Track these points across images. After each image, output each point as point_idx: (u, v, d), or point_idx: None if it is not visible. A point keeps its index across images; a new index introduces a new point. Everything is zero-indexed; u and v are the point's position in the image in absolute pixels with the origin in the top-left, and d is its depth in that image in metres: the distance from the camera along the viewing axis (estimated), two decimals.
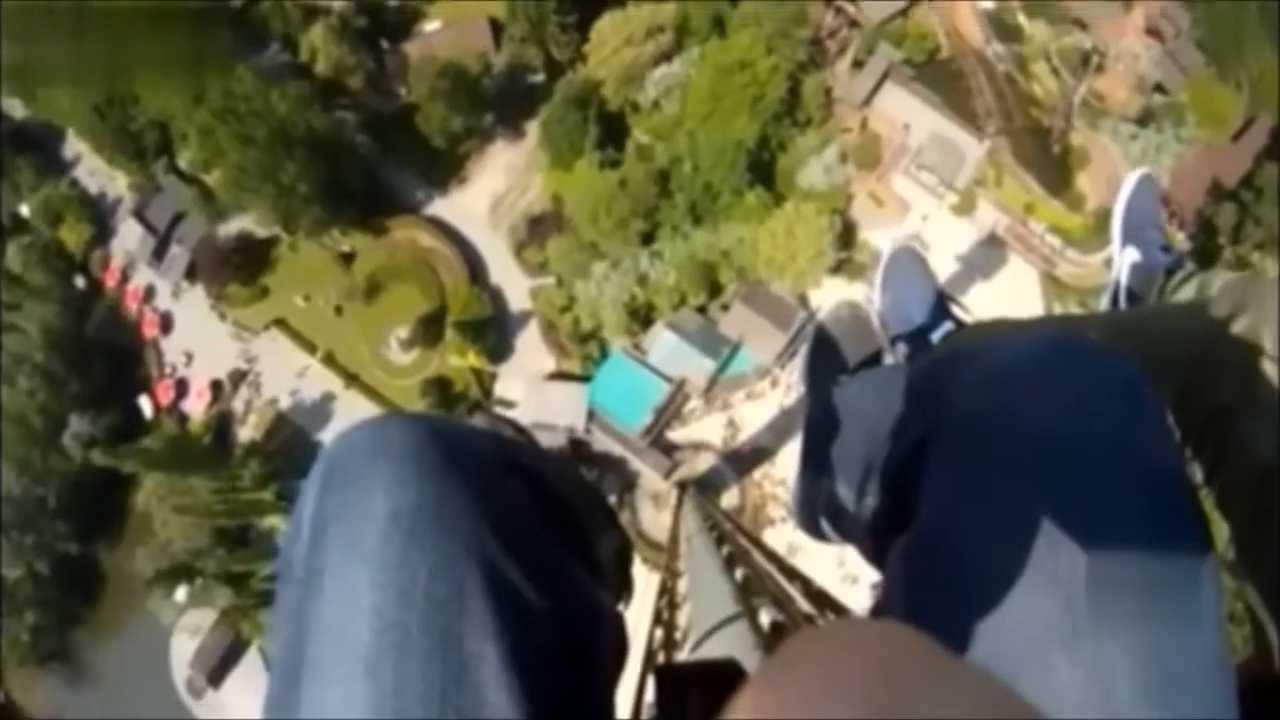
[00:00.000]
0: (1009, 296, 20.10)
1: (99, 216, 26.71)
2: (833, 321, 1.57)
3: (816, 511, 1.23)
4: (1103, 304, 1.74)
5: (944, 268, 19.73)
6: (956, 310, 1.65)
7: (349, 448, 0.66)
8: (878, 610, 0.84)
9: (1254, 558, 1.00)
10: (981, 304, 19.97)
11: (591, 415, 17.77)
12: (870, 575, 17.68)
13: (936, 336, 1.59)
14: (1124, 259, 1.72)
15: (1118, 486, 0.64)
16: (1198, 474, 1.11)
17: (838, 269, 18.74)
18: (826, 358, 1.53)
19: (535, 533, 0.70)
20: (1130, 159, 21.19)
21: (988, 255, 20.65)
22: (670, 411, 17.97)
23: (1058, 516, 0.64)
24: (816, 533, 1.30)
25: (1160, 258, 1.65)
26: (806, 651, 0.33)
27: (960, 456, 0.71)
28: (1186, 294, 1.46)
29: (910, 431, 0.82)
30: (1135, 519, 0.63)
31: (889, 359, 1.59)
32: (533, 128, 19.53)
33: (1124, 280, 1.69)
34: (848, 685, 0.30)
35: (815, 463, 1.23)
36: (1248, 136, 19.36)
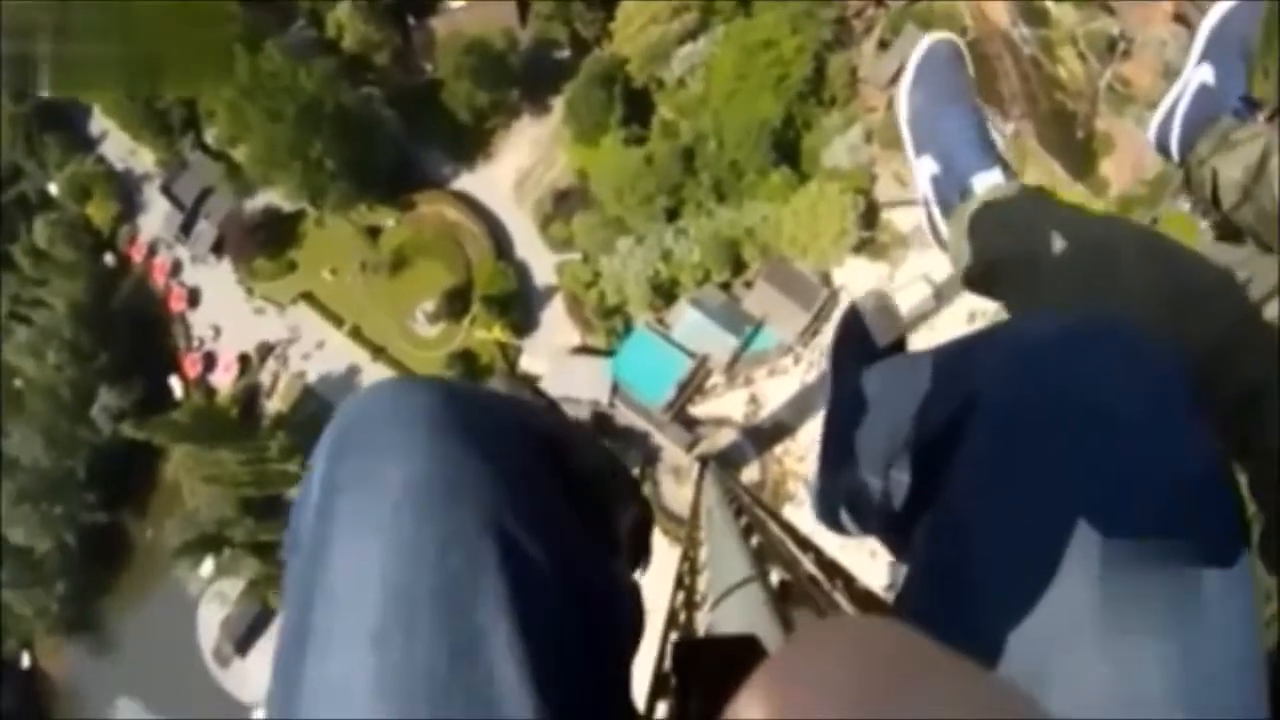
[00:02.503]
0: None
1: (126, 192, 27.05)
2: (859, 311, 1.47)
3: (836, 503, 1.18)
4: (1154, 120, 1.48)
5: (948, 263, 19.62)
6: (999, 142, 1.51)
7: (362, 412, 0.63)
8: (901, 594, 0.83)
9: None
10: (977, 300, 19.93)
11: (615, 389, 17.97)
12: (886, 550, 17.87)
13: (980, 183, 1.39)
14: (1194, 75, 1.44)
15: (1147, 485, 0.63)
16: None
17: (861, 248, 18.77)
18: (851, 348, 1.43)
19: (553, 503, 0.68)
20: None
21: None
22: (693, 387, 18.14)
23: (1087, 512, 0.63)
24: (836, 525, 1.24)
25: (1234, 93, 1.40)
26: (800, 654, 0.34)
27: (988, 444, 0.70)
28: (1247, 153, 1.29)
29: (938, 412, 0.81)
30: (1165, 520, 0.62)
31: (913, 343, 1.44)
32: (558, 104, 19.62)
33: (1185, 103, 1.43)
34: (840, 687, 0.30)
35: (836, 452, 1.17)
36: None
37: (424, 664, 0.55)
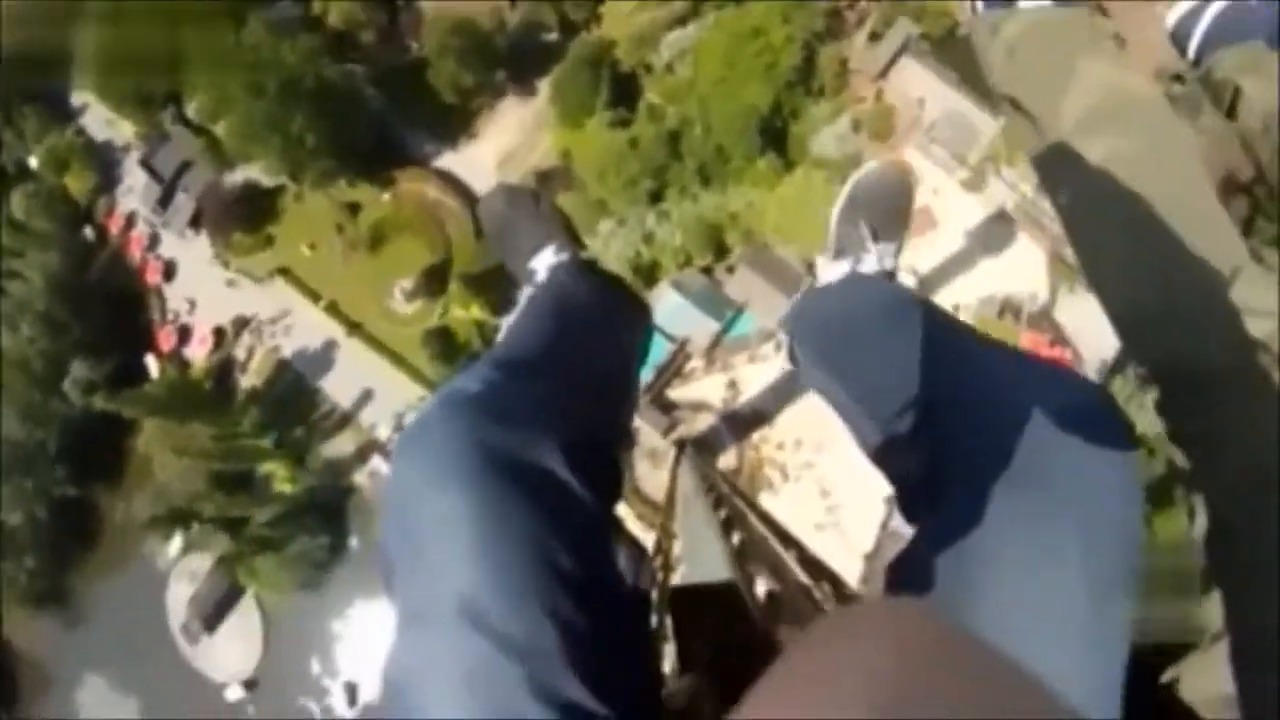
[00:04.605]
0: (1015, 274, 20.07)
1: (105, 165, 26.57)
2: (874, 181, 1.56)
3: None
4: (1177, 10, 1.44)
5: (952, 242, 19.64)
6: None
7: (423, 462, 0.83)
8: (896, 565, 0.96)
9: (1234, 545, 1.01)
10: (987, 281, 19.96)
11: None
12: (860, 533, 17.78)
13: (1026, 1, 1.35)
14: None
15: (1111, 557, 0.79)
16: (1178, 453, 1.10)
17: None
18: (855, 216, 1.52)
19: (578, 519, 0.85)
20: None
21: (996, 232, 20.57)
22: (671, 370, 18.03)
23: (1059, 560, 0.77)
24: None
25: (1268, 13, 1.34)
26: (814, 649, 0.33)
27: (983, 486, 0.82)
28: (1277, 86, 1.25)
29: (934, 446, 0.94)
30: (1112, 591, 0.78)
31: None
32: (544, 86, 19.45)
33: (1216, 6, 1.37)
34: (878, 674, 0.30)
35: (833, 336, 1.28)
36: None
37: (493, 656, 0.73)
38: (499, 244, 1.59)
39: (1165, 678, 0.99)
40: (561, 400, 0.97)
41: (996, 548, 0.80)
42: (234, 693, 21.94)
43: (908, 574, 0.91)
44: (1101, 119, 1.20)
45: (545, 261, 1.51)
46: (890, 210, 1.56)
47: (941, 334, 1.08)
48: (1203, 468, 1.06)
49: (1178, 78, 1.44)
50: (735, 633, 1.10)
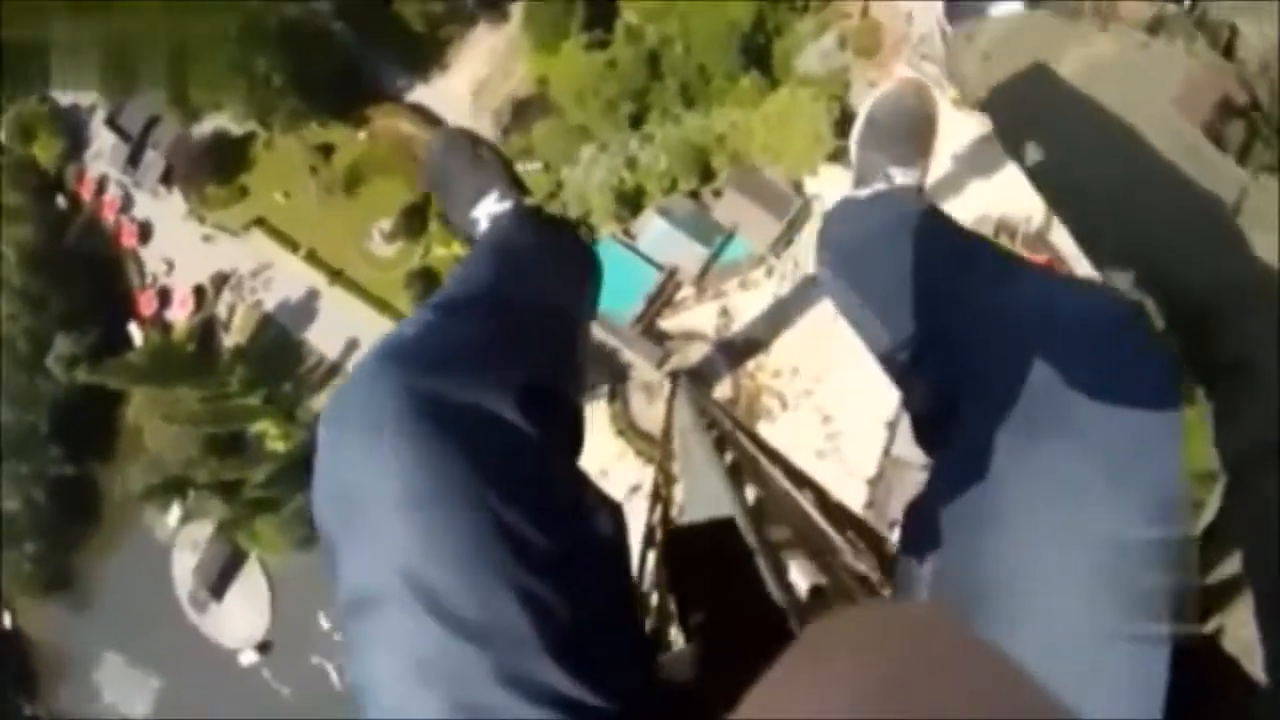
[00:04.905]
0: (1009, 195, 19.50)
1: (73, 129, 25.76)
2: (891, 103, 1.48)
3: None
4: None
5: (941, 163, 19.08)
6: None
7: (348, 418, 0.76)
8: (909, 511, 0.91)
9: (1255, 488, 0.94)
10: (977, 202, 19.44)
11: None
12: (862, 459, 17.57)
13: (998, 9, 1.41)
14: None
15: (1138, 489, 0.69)
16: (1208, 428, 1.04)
17: (835, 157, 18.08)
18: (875, 142, 1.46)
19: (529, 469, 0.77)
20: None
21: (986, 152, 19.90)
22: (661, 300, 17.58)
23: (1082, 501, 0.69)
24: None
25: None
26: (819, 644, 0.33)
27: (1015, 417, 0.73)
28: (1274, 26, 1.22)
29: (947, 369, 0.85)
30: (1145, 532, 0.68)
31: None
32: (516, 10, 18.62)
33: None
34: (859, 677, 0.30)
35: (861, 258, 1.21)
36: None
37: (451, 629, 0.67)
38: (440, 194, 1.54)
39: (1208, 627, 0.92)
40: (508, 339, 0.91)
41: (1012, 490, 0.72)
42: (248, 657, 22.10)
43: (919, 524, 0.86)
44: (1077, 92, 1.18)
45: (487, 210, 1.47)
46: (911, 133, 1.46)
47: (958, 248, 1.04)
48: (1224, 401, 1.01)
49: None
50: (738, 583, 1.03)
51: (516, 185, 1.51)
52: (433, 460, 0.71)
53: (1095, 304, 0.79)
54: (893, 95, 1.50)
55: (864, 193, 1.43)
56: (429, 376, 0.77)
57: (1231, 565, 0.94)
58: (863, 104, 1.56)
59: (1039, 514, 0.70)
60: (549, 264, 1.30)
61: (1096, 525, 0.68)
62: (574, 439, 1.00)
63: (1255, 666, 0.87)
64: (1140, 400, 0.71)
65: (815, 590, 1.43)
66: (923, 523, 0.82)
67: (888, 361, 1.06)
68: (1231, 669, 0.88)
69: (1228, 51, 1.26)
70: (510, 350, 0.89)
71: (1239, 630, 0.92)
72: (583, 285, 1.36)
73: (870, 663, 0.30)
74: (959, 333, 0.88)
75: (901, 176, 1.42)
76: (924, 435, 0.95)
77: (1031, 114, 1.27)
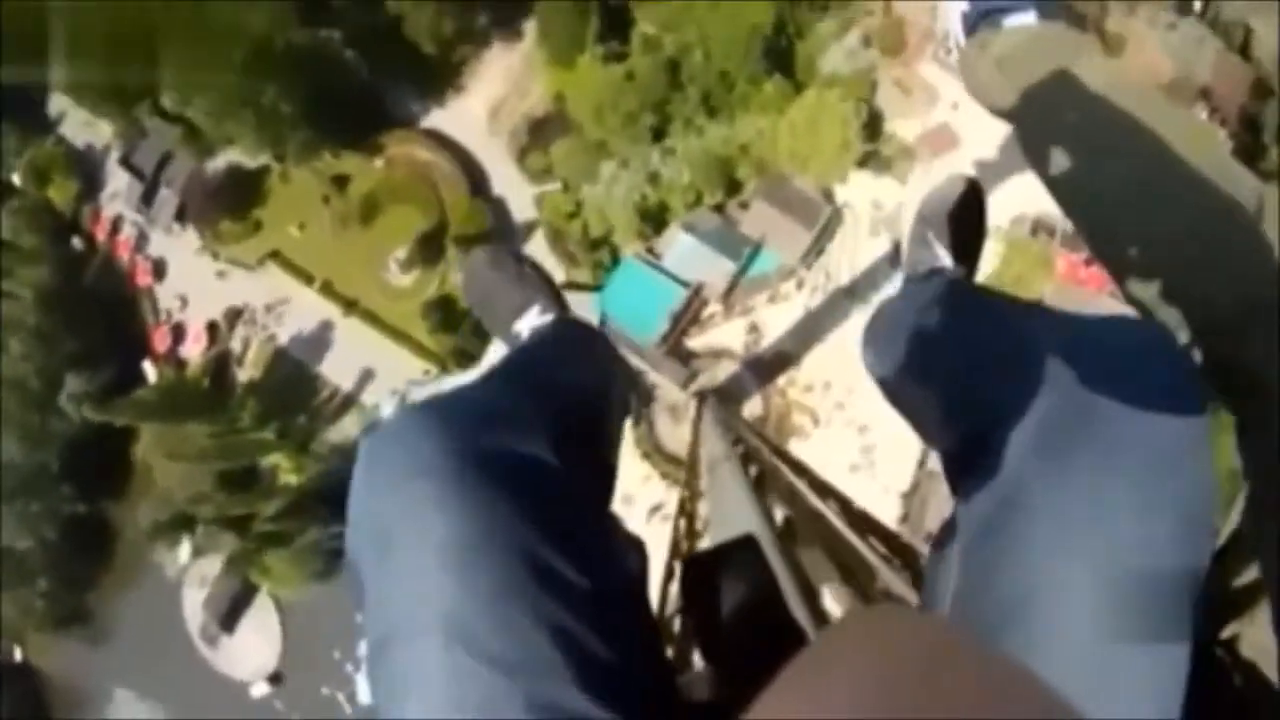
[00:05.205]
0: (1043, 195, 18.68)
1: (87, 170, 25.82)
2: (941, 196, 1.53)
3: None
4: None
5: (972, 160, 18.38)
6: None
7: (393, 460, 0.76)
8: (939, 542, 0.93)
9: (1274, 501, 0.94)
10: (1017, 200, 18.62)
11: (604, 325, 16.66)
12: (896, 472, 16.60)
13: (1012, 21, 1.35)
14: None
15: (1163, 516, 0.69)
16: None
17: (864, 162, 17.39)
18: (925, 235, 1.50)
19: (568, 516, 0.78)
20: (1169, 48, 19.54)
21: (1019, 149, 19.28)
22: (688, 318, 16.84)
23: (1120, 522, 0.69)
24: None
25: None
26: (828, 650, 0.34)
27: (1041, 443, 0.75)
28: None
29: (992, 394, 0.84)
30: (1170, 552, 0.69)
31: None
32: (530, 27, 18.25)
33: None
34: (865, 681, 0.30)
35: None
36: None
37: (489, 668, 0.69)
38: (482, 307, 1.54)
39: (1225, 633, 0.94)
40: (547, 399, 0.94)
41: (1037, 510, 0.73)
42: (259, 689, 21.76)
43: (945, 542, 0.89)
44: (1099, 115, 1.20)
45: (529, 323, 1.48)
46: (962, 225, 1.52)
47: (974, 303, 1.15)
48: (1246, 413, 1.01)
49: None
50: (757, 603, 1.00)
51: (559, 301, 1.51)
52: (477, 507, 0.72)
53: (1121, 328, 0.81)
54: (942, 189, 1.55)
55: (912, 280, 1.50)
56: (473, 426, 0.78)
57: (1250, 573, 0.94)
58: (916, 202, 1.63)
59: (1064, 532, 0.70)
60: (584, 351, 1.34)
61: (1123, 545, 0.68)
62: (607, 488, 1.05)
63: (1273, 673, 0.88)
64: (1168, 420, 0.71)
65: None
66: (949, 541, 0.84)
67: (934, 440, 1.07)
68: (1249, 675, 0.89)
69: (1243, 51, 1.66)
70: (549, 407, 0.90)
71: (1257, 636, 0.91)
72: (613, 373, 1.35)
73: (870, 665, 0.31)
74: (981, 375, 0.89)
75: (953, 266, 1.48)
76: (953, 475, 0.94)
77: (1047, 121, 1.26)
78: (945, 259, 1.46)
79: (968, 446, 0.87)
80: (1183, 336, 1.05)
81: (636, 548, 0.90)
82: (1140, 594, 0.67)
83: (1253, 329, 1.00)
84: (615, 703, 0.70)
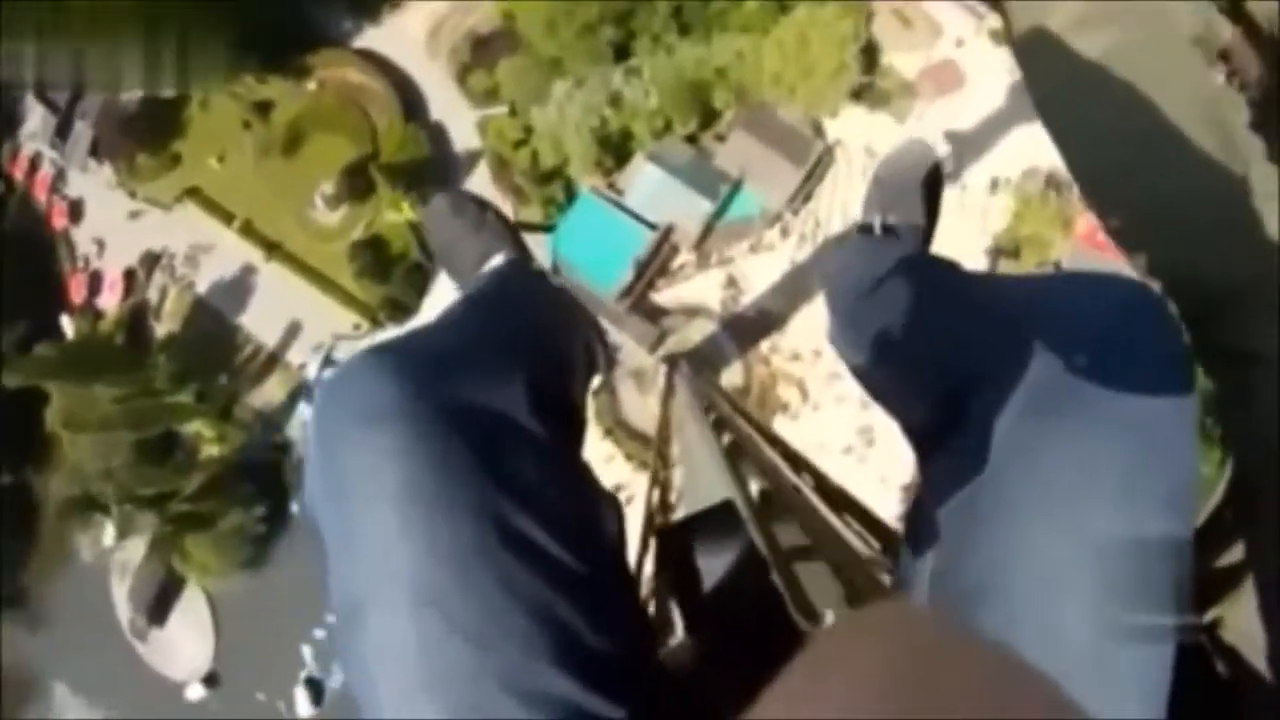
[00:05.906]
0: (1049, 144, 16.50)
1: (6, 105, 23.40)
2: (895, 161, 1.53)
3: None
4: None
5: (979, 105, 16.18)
6: None
7: (345, 406, 0.70)
8: (912, 515, 0.91)
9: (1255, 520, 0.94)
10: (1028, 151, 16.28)
11: (557, 272, 14.45)
12: (902, 462, 14.59)
13: None
14: None
15: (1149, 481, 0.67)
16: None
17: (859, 95, 15.08)
18: (877, 203, 1.52)
19: (532, 466, 0.73)
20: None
21: (1029, 94, 17.06)
22: (655, 266, 14.63)
23: (1090, 492, 0.67)
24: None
25: None
26: (828, 647, 0.34)
27: (1020, 409, 0.73)
28: None
29: (966, 364, 0.82)
30: (1157, 520, 0.67)
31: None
32: None
33: None
34: (866, 678, 0.31)
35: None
36: None
37: (460, 631, 0.64)
38: (444, 255, 1.49)
39: (1207, 618, 0.93)
40: (511, 339, 0.90)
41: (1015, 481, 0.70)
42: (195, 691, 19.88)
43: (919, 520, 0.87)
44: (1097, 14, 1.17)
45: (492, 267, 1.41)
46: (912, 193, 1.50)
47: (942, 278, 1.08)
48: (1232, 392, 1.00)
49: None
50: (738, 571, 0.98)
51: (522, 249, 1.47)
52: (435, 453, 0.67)
53: (1105, 288, 0.79)
54: (898, 155, 1.56)
55: (866, 239, 1.49)
56: (432, 370, 0.73)
57: (1232, 555, 0.91)
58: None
59: (1043, 505, 0.68)
60: (548, 295, 1.28)
61: (1105, 517, 0.66)
62: (578, 434, 0.97)
63: (1255, 656, 0.85)
64: (1153, 386, 0.69)
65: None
66: (922, 519, 0.83)
67: (898, 413, 1.05)
68: (1230, 659, 0.87)
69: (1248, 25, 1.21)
70: (513, 348, 0.86)
71: (1238, 620, 0.90)
72: (579, 325, 1.24)
73: (870, 666, 0.31)
74: (952, 351, 0.86)
75: (907, 233, 1.46)
76: (925, 442, 0.92)
77: (1060, 69, 1.18)
78: (905, 231, 1.46)
79: (942, 416, 0.84)
80: (1171, 306, 0.95)
81: (612, 505, 0.85)
82: (1126, 563, 0.64)
83: (1239, 302, 0.98)
84: (595, 680, 0.66)
